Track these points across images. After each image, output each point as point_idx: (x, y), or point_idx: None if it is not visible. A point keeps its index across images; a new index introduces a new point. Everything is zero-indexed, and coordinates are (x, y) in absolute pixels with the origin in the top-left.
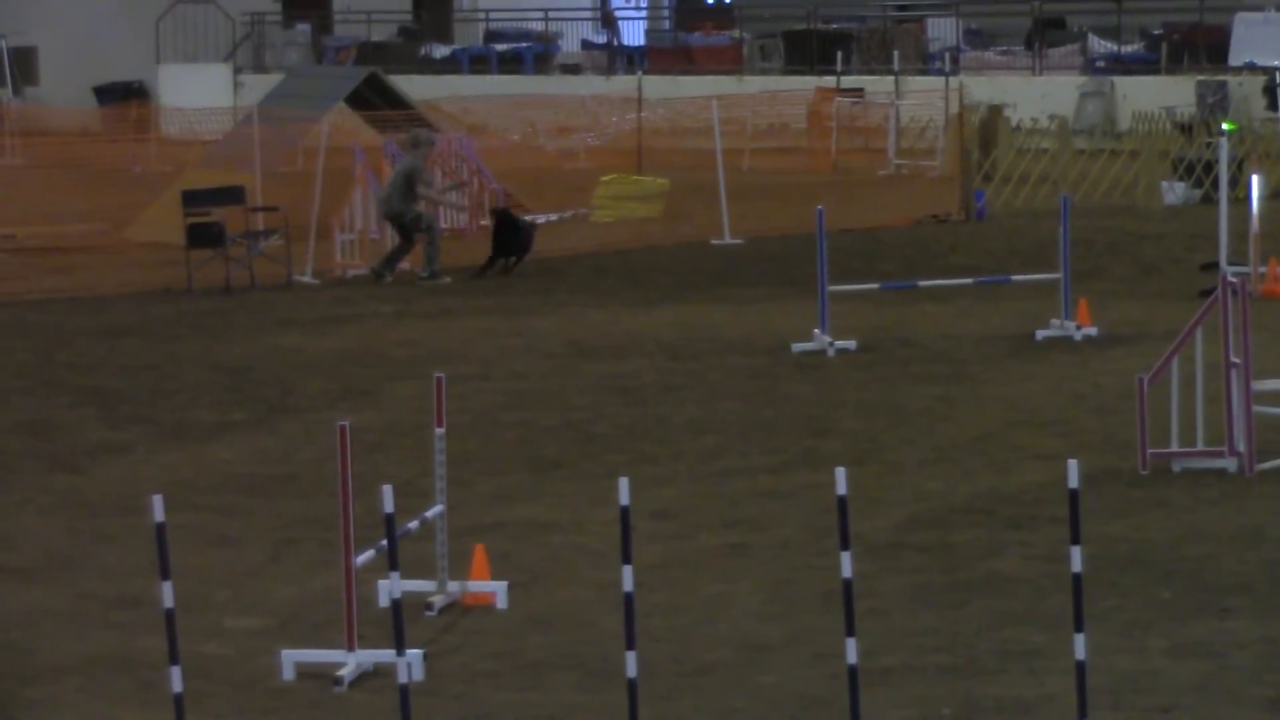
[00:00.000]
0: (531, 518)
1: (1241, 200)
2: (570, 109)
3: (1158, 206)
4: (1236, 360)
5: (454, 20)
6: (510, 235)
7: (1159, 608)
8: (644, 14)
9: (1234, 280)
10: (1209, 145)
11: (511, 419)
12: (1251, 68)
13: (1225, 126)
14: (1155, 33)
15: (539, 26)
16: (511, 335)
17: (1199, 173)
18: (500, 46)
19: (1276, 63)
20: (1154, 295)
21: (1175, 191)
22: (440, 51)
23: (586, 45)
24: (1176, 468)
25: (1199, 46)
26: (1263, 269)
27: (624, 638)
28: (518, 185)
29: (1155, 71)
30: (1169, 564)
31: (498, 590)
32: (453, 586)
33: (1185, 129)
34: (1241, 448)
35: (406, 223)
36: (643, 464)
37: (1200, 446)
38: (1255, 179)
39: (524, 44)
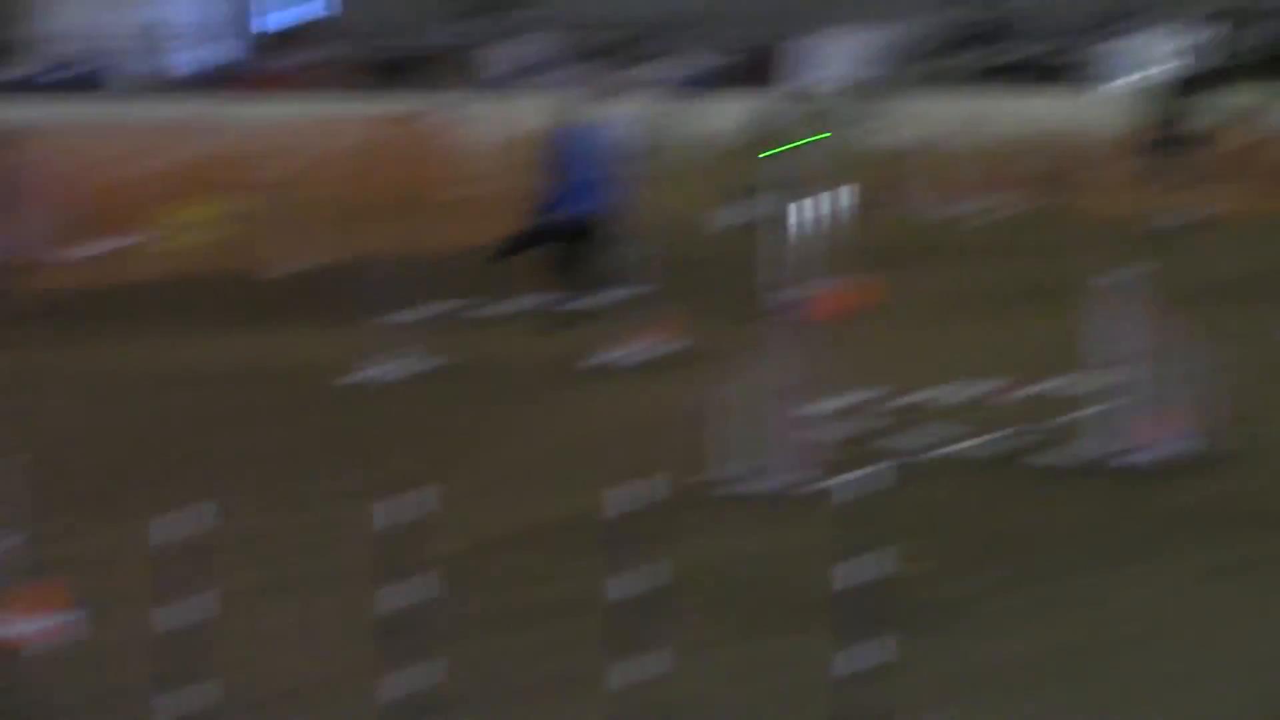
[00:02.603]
0: (64, 556)
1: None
2: (135, 134)
3: (724, 227)
4: (793, 381)
5: (18, 43)
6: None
7: (716, 629)
8: (214, 38)
9: (793, 301)
10: (774, 165)
11: (48, 457)
12: (815, 87)
13: (782, 146)
14: (725, 54)
15: (105, 49)
16: (49, 371)
17: (763, 192)
18: (66, 72)
19: (838, 83)
20: (716, 316)
21: (741, 212)
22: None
23: (148, 70)
24: (734, 490)
25: (766, 66)
26: (821, 289)
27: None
28: (80, 210)
29: (725, 91)
30: (725, 587)
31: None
32: None
33: (756, 148)
34: (797, 468)
35: None
36: (193, 498)
37: (757, 468)
38: (815, 199)
39: (87, 67)
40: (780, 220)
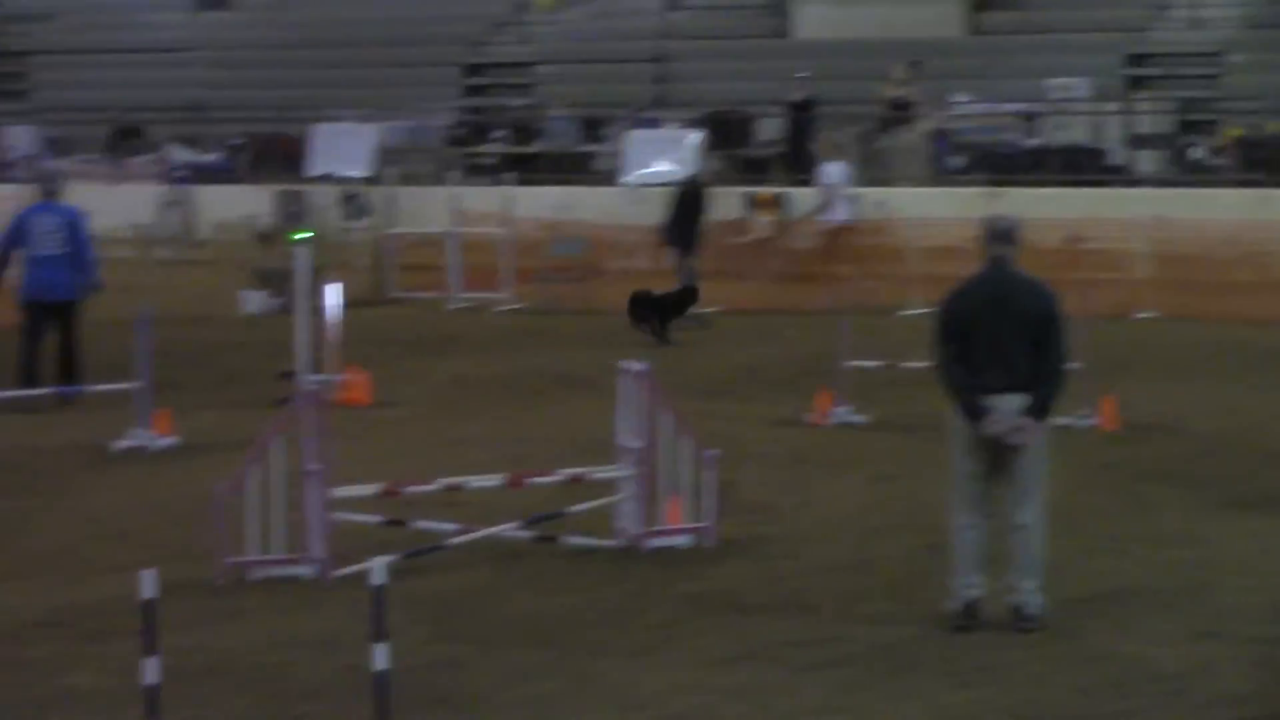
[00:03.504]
0: None
1: (321, 309)
2: None
3: (238, 315)
4: (316, 467)
5: None
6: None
7: (236, 716)
8: None
9: (313, 388)
10: (289, 254)
11: None
12: (330, 178)
13: (296, 236)
14: (235, 142)
15: None
16: None
17: (279, 282)
18: None
19: (354, 173)
20: (234, 404)
21: (255, 301)
22: None
23: None
24: (256, 576)
25: (278, 156)
26: (341, 377)
27: None
28: None
29: (236, 181)
30: (247, 672)
31: None
32: None
33: (265, 238)
34: (319, 554)
35: None
36: None
37: (279, 554)
38: (332, 288)
39: None
40: (302, 308)
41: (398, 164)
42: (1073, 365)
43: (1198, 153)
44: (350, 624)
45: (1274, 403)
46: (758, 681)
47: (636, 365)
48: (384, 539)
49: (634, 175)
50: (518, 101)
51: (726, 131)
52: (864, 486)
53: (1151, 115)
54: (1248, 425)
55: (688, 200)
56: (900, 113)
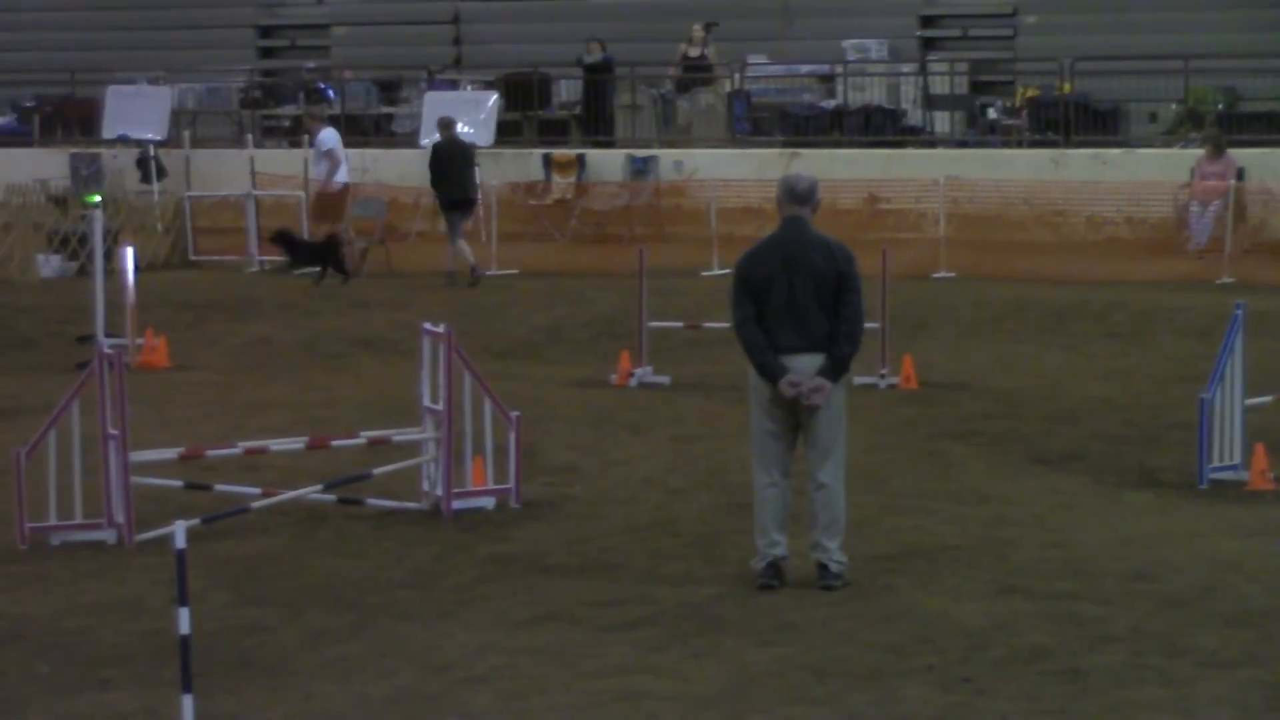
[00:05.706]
0: None
1: (117, 272)
2: None
3: (33, 279)
4: (115, 431)
5: None
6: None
7: (37, 683)
8: None
9: (111, 352)
10: (83, 218)
11: None
12: (124, 140)
13: (90, 199)
14: (28, 104)
15: None
16: None
17: (74, 245)
18: None
19: (149, 135)
20: (31, 368)
21: (51, 264)
22: None
23: None
24: (56, 541)
25: (71, 119)
26: (139, 340)
27: None
28: None
29: (28, 144)
30: (47, 638)
31: None
32: None
33: (59, 201)
34: (121, 519)
35: None
36: None
37: (80, 519)
38: (129, 251)
39: None
40: (105, 271)
41: (193, 126)
42: (870, 325)
43: (993, 113)
44: (153, 588)
45: (1069, 362)
46: (562, 642)
47: (438, 327)
48: (185, 503)
49: (432, 137)
50: (313, 63)
51: (524, 93)
52: (667, 447)
53: (946, 76)
54: (1044, 384)
55: (454, 156)
56: (698, 74)
